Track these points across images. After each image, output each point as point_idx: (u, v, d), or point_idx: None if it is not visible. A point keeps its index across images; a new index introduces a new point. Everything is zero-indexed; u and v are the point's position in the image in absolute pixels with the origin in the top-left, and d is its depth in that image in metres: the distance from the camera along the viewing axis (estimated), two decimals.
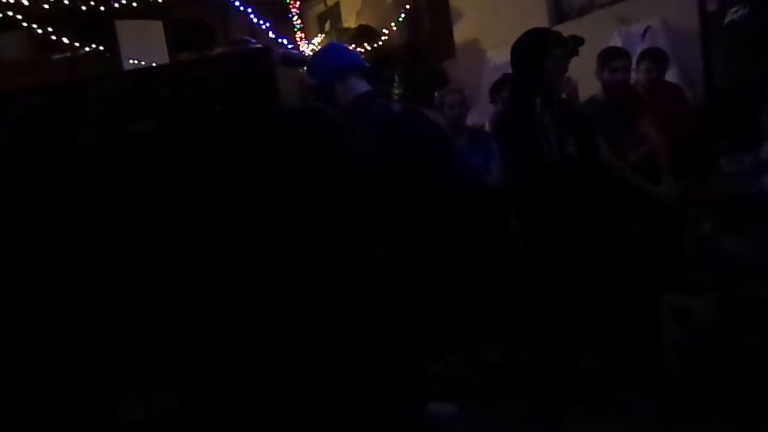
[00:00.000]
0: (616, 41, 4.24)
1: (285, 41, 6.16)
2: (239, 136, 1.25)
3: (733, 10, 3.75)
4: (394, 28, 6.50)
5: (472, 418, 2.30)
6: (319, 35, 7.40)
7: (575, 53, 2.36)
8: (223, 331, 1.33)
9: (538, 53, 2.30)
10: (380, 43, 6.52)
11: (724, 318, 2.60)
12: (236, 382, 1.31)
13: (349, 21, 7.62)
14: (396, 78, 5.80)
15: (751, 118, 3.26)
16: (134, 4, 6.66)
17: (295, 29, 6.24)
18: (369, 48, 6.41)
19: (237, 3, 6.48)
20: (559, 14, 5.41)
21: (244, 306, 1.23)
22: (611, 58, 3.07)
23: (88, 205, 1.38)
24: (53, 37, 5.56)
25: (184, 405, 1.37)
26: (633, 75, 3.81)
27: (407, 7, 6.37)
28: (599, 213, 2.78)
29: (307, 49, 6.79)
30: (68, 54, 5.91)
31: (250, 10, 6.49)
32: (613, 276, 2.77)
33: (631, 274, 2.80)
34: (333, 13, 8.14)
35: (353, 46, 6.51)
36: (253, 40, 2.17)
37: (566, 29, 4.79)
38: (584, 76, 3.30)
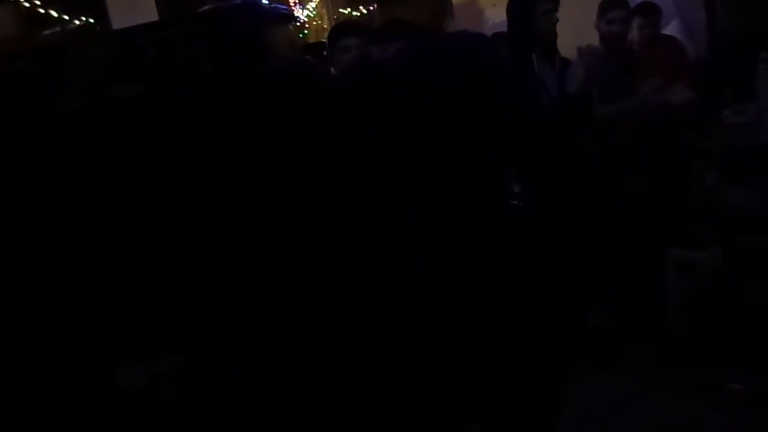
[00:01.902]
0: None
1: (278, 5, 6.03)
2: (229, 93, 1.23)
3: None
4: None
5: None
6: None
7: None
8: (222, 295, 1.32)
9: (526, 9, 2.27)
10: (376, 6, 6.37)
11: (727, 271, 2.59)
12: (246, 349, 1.31)
13: None
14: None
15: (753, 70, 3.19)
16: None
17: None
18: (365, 11, 6.28)
19: None
20: None
21: (242, 267, 1.22)
22: (608, 8, 3.01)
23: (80, 173, 1.36)
24: (41, 11, 5.45)
25: (186, 370, 1.37)
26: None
27: None
28: (604, 168, 2.75)
29: (302, 13, 6.65)
30: (57, 28, 5.79)
31: None
32: (617, 229, 2.76)
33: (637, 227, 2.79)
34: None
35: (349, 10, 6.38)
36: None
37: None
38: (586, 31, 3.23)
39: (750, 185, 2.94)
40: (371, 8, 6.34)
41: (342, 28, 2.40)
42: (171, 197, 1.30)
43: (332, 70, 2.24)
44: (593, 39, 3.16)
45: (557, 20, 2.54)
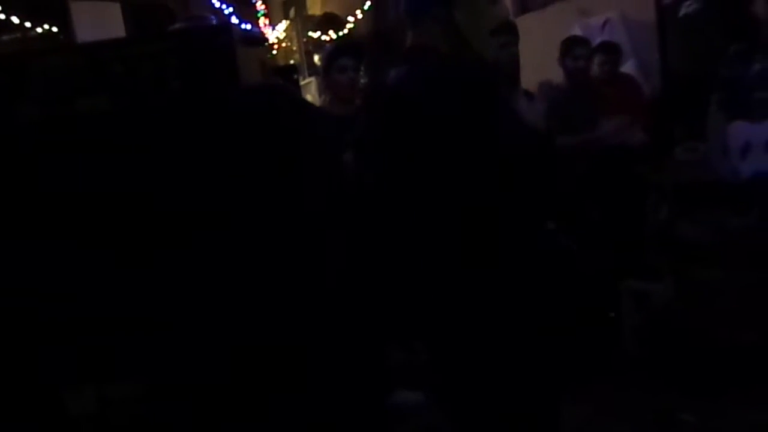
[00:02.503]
0: (577, 33, 4.31)
1: (249, 27, 6.05)
2: (197, 113, 1.21)
3: (687, 3, 3.85)
4: (360, 16, 6.44)
5: (438, 406, 2.31)
6: (284, 21, 7.28)
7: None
8: (179, 320, 1.28)
9: None
10: (346, 31, 6.45)
11: (680, 302, 2.68)
12: (195, 374, 1.27)
13: (314, 8, 7.53)
14: (362, 67, 5.76)
15: (704, 109, 3.36)
16: None
17: (259, 15, 6.12)
18: (335, 36, 6.34)
19: None
20: (523, 5, 5.46)
21: (203, 292, 1.19)
22: (573, 45, 3.15)
23: (40, 186, 1.31)
24: (2, 17, 5.29)
25: (142, 396, 1.32)
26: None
27: None
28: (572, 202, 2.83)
29: (271, 35, 6.68)
30: (19, 35, 5.62)
31: None
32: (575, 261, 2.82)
33: (594, 258, 2.86)
34: (298, 0, 8.03)
35: (318, 33, 6.43)
36: (212, 17, 2.11)
37: (529, 20, 4.88)
38: (548, 66, 3.34)
39: (700, 220, 3.07)
40: (340, 33, 6.43)
41: (341, 49, 2.45)
42: (130, 214, 1.26)
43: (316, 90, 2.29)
44: (555, 74, 3.27)
45: (517, 53, 2.61)
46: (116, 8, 6.61)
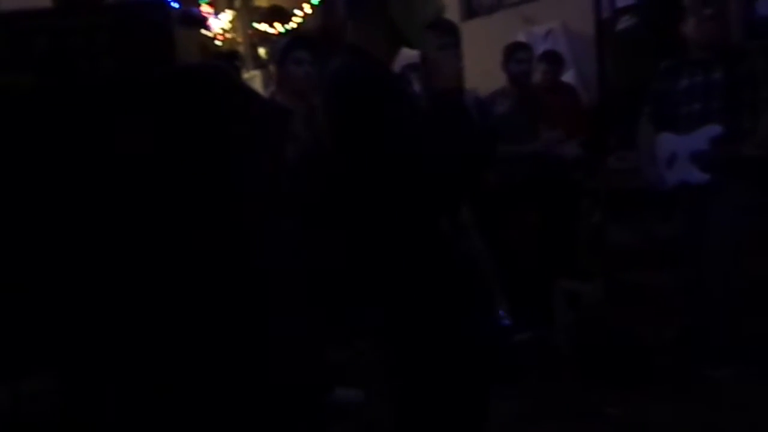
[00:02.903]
0: (521, 39, 4.42)
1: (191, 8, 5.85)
2: (130, 92, 1.15)
3: (624, 18, 4.03)
4: (309, 11, 6.37)
5: (379, 404, 2.31)
6: (229, 11, 7.10)
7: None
8: (101, 311, 1.22)
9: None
10: (293, 25, 6.37)
11: (609, 302, 2.80)
12: (116, 368, 1.21)
13: None
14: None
15: (636, 120, 3.53)
16: None
17: (202, 1, 5.94)
18: (281, 29, 6.24)
19: None
20: (469, 11, 5.56)
21: (127, 276, 1.13)
22: (517, 50, 3.20)
23: None
24: None
25: (57, 390, 1.24)
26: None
27: None
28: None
29: (215, 25, 6.49)
30: None
31: None
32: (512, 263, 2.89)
33: (530, 259, 2.94)
34: None
35: (264, 25, 6.32)
36: None
37: (475, 26, 4.97)
38: (493, 71, 3.40)
39: (630, 225, 3.22)
40: (287, 26, 6.34)
41: (296, 41, 2.40)
42: (54, 198, 1.19)
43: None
44: (500, 80, 3.33)
45: (458, 55, 2.64)
46: None
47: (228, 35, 6.67)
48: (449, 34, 2.62)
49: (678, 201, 2.62)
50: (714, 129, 2.39)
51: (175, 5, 1.48)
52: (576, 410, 2.31)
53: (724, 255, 2.40)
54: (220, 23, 6.72)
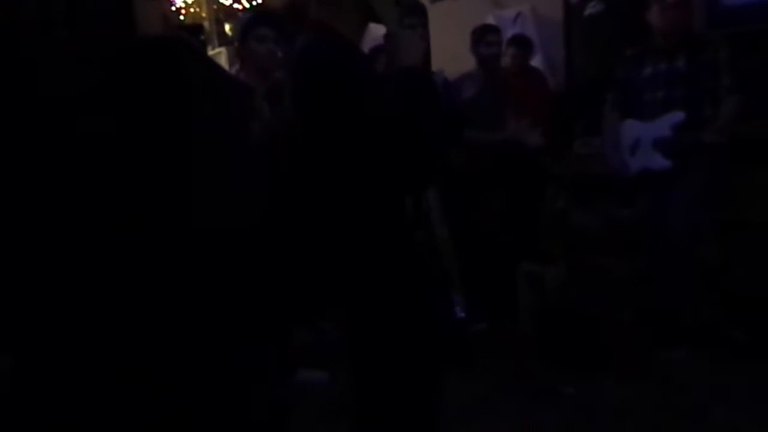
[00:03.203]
0: (490, 22, 4.41)
1: None
2: (85, 63, 1.09)
3: (591, 4, 4.06)
4: None
5: (343, 385, 2.33)
6: None
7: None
8: (60, 289, 1.17)
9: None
10: (260, 0, 6.20)
11: (571, 285, 2.86)
12: (75, 347, 1.17)
13: None
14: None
15: (602, 106, 3.58)
16: None
17: None
18: (247, 4, 6.07)
19: None
20: None
21: (84, 256, 1.09)
22: (487, 32, 3.19)
23: None
24: None
25: (15, 369, 1.20)
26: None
27: None
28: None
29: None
30: None
31: None
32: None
33: (494, 242, 2.97)
34: None
35: (230, 1, 6.14)
36: None
37: (443, 8, 4.93)
38: (461, 54, 3.39)
39: (593, 210, 3.28)
40: (253, 1, 6.16)
41: (259, 18, 2.34)
42: (8, 176, 1.13)
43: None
44: (468, 62, 3.32)
45: (426, 35, 2.63)
46: None
47: (192, 10, 6.45)
48: (416, 13, 2.61)
49: (640, 187, 2.68)
50: (677, 116, 2.44)
51: None
52: (533, 390, 2.37)
53: (682, 240, 2.46)
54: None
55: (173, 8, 5.16)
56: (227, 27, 6.18)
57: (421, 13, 2.62)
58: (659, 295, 2.57)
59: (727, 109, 2.40)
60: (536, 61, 4.11)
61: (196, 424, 1.18)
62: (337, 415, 2.22)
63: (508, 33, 4.29)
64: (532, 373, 2.49)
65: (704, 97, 2.44)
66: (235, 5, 6.00)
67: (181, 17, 6.25)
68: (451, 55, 3.54)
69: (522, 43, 3.75)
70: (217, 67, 1.70)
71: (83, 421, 1.15)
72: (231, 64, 5.06)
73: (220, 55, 6.09)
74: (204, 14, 6.29)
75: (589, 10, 4.04)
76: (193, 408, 1.15)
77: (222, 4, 6.10)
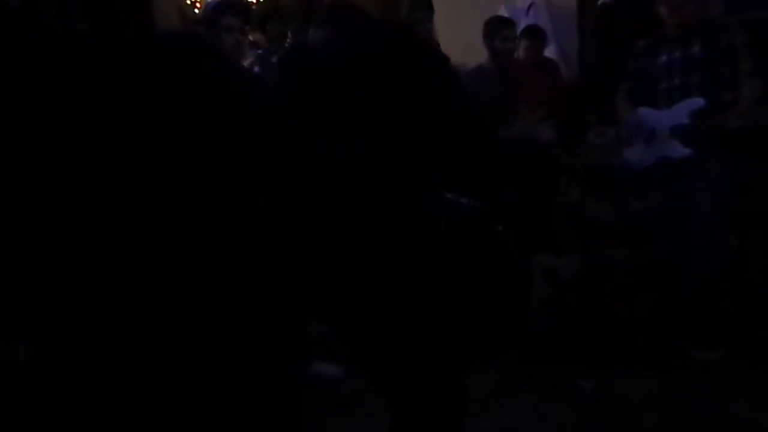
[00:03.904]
0: (503, 14, 4.37)
1: None
2: (104, 57, 1.09)
3: None
4: None
5: (357, 379, 2.33)
6: None
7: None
8: (80, 284, 1.18)
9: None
10: None
11: (585, 277, 2.84)
12: (94, 337, 1.18)
13: None
14: (288, 34, 5.55)
15: (615, 96, 3.54)
16: None
17: None
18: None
19: None
20: None
21: (108, 252, 1.09)
22: (502, 26, 3.14)
23: None
24: None
25: (32, 359, 1.21)
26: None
27: None
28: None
29: None
30: None
31: None
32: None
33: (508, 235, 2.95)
34: None
35: None
36: None
37: None
38: (474, 46, 3.36)
39: (607, 201, 3.25)
40: None
41: (225, 6, 2.26)
42: (21, 166, 1.13)
43: None
44: (480, 54, 3.28)
45: (432, 29, 2.61)
46: None
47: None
48: (425, 6, 2.58)
49: (656, 178, 2.64)
50: (696, 102, 2.38)
51: None
52: (550, 383, 2.36)
53: (708, 231, 2.38)
54: None
55: (188, 1, 5.16)
56: None
57: (429, 7, 2.59)
58: (681, 288, 2.50)
59: (749, 93, 2.33)
60: (549, 51, 4.08)
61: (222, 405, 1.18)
62: (350, 408, 2.23)
63: (522, 23, 4.25)
64: (549, 367, 2.47)
65: (723, 83, 2.38)
66: None
67: (196, 10, 6.24)
68: (462, 45, 3.51)
69: (536, 35, 3.72)
70: (235, 63, 1.69)
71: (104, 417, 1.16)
72: None
73: None
74: None
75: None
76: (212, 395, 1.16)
77: None
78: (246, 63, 2.70)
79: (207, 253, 1.15)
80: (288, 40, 5.17)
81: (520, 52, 3.72)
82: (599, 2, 4.07)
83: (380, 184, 1.21)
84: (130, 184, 1.10)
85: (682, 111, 2.42)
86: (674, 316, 2.57)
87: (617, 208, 3.14)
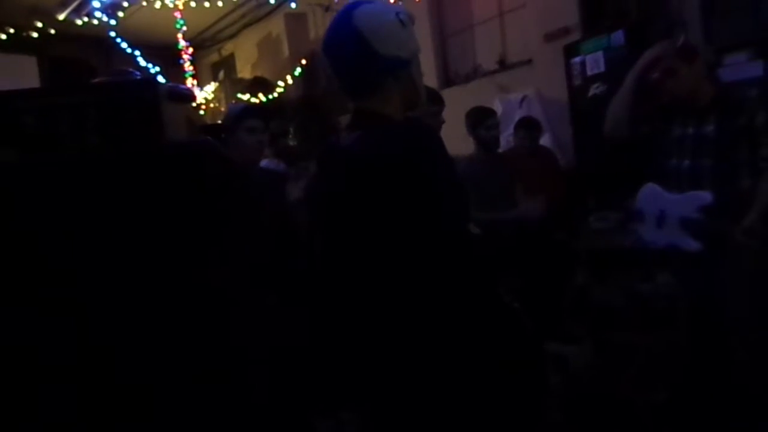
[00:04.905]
0: (498, 107, 4.58)
1: (178, 85, 5.98)
2: (116, 169, 1.15)
3: (594, 86, 4.22)
4: (290, 82, 6.55)
5: None
6: (213, 83, 7.27)
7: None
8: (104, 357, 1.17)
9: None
10: (275, 95, 6.52)
11: (597, 364, 2.77)
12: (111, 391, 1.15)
13: (244, 72, 7.59)
14: (291, 130, 5.81)
15: (614, 181, 3.62)
16: (3, 37, 6.17)
17: (186, 75, 6.09)
18: (264, 98, 6.38)
19: (123, 44, 6.22)
20: (447, 80, 5.79)
21: (121, 338, 1.09)
22: (484, 116, 3.15)
23: None
24: None
25: None
26: (510, 140, 4.13)
27: (303, 62, 6.48)
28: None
29: (199, 95, 6.62)
30: None
31: (137, 52, 6.25)
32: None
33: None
34: (227, 63, 8.07)
35: (248, 96, 6.46)
36: (137, 72, 2.06)
37: (452, 94, 5.16)
38: (468, 137, 3.48)
39: (612, 285, 3.23)
40: (269, 96, 6.48)
41: (249, 110, 2.43)
42: (35, 274, 1.16)
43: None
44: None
45: (443, 121, 2.71)
46: (32, 62, 6.33)
47: (212, 105, 6.79)
48: (439, 101, 2.71)
49: (663, 261, 2.60)
50: (703, 198, 2.14)
51: (164, 81, 1.51)
52: None
53: (746, 317, 2.09)
54: (203, 93, 6.86)
55: (195, 104, 5.46)
56: None
57: (442, 102, 2.74)
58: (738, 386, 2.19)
59: (764, 192, 2.00)
60: (544, 140, 4.23)
61: None
62: None
63: (516, 115, 4.46)
64: None
65: (739, 168, 2.10)
66: (253, 100, 6.30)
67: (201, 112, 6.55)
68: (459, 137, 3.64)
69: (531, 125, 3.87)
70: (238, 168, 1.76)
71: None
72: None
73: None
74: (223, 108, 6.60)
75: (593, 90, 4.18)
76: None
77: (240, 99, 6.42)
78: (264, 161, 2.88)
79: (216, 354, 1.14)
80: (290, 136, 5.39)
81: (517, 142, 3.87)
82: (590, 94, 4.26)
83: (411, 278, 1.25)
84: (137, 296, 1.12)
85: (690, 203, 2.18)
86: (695, 404, 2.47)
87: (623, 292, 3.11)
